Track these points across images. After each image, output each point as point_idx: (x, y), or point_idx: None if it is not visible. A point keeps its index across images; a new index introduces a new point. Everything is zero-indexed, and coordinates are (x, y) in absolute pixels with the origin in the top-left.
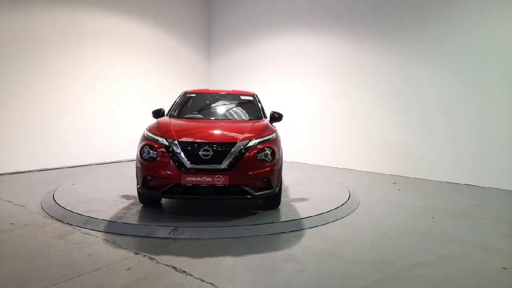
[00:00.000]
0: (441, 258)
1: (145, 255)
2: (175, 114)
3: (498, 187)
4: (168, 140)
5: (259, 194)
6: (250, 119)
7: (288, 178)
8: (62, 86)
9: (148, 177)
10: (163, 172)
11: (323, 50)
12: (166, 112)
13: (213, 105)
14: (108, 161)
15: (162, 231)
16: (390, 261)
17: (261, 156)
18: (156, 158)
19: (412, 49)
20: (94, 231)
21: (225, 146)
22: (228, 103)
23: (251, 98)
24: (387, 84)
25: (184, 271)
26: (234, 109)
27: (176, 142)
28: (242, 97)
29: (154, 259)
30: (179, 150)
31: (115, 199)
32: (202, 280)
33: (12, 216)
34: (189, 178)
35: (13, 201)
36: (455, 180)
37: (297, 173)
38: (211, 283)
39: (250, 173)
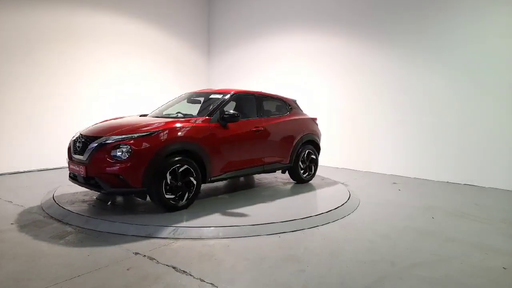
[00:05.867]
0: (441, 258)
1: (145, 255)
2: (150, 113)
3: (498, 187)
4: (79, 133)
5: (113, 191)
6: (192, 117)
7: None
8: (61, 86)
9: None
10: (68, 160)
11: (323, 50)
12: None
13: (185, 104)
14: None
15: (162, 231)
16: (390, 261)
17: (114, 152)
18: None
19: (412, 50)
20: (94, 231)
21: (90, 140)
22: (195, 103)
23: (219, 96)
24: (387, 84)
25: (184, 271)
26: (197, 107)
27: (79, 134)
28: (213, 96)
29: (154, 259)
30: (71, 141)
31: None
32: (202, 280)
33: (12, 216)
34: (71, 166)
35: (13, 201)
36: (455, 180)
37: None
38: (211, 283)
39: (102, 167)
